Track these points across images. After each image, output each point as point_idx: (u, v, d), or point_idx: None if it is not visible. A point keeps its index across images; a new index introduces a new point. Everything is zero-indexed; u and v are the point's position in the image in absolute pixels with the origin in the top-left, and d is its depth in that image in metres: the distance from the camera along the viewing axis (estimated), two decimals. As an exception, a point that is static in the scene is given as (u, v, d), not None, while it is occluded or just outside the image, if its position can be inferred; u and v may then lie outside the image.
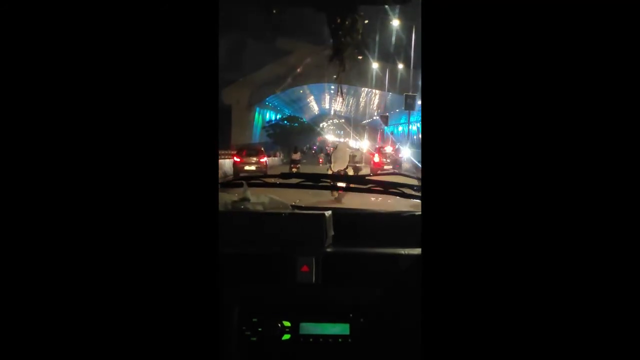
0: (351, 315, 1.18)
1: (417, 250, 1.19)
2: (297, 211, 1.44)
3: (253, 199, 1.38)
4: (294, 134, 37.34)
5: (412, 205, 1.56)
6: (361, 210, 1.59)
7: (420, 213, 1.50)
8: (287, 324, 1.18)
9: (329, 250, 1.26)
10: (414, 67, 26.04)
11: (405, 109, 25.44)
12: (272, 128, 39.33)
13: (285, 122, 41.20)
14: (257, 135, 39.12)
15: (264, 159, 19.51)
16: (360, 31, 1.31)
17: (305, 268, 1.20)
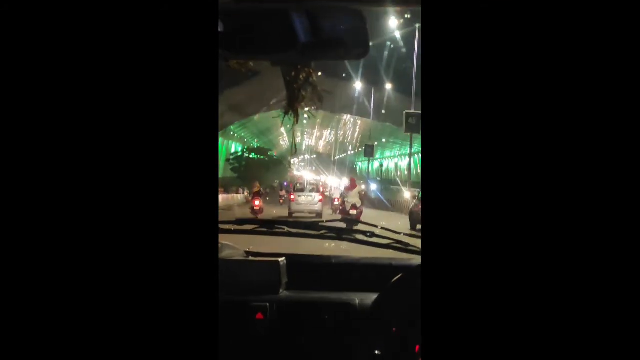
0: None
1: (372, 297, 1.41)
2: (251, 258, 1.65)
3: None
4: (262, 169, 37.21)
5: (367, 251, 1.79)
6: (314, 256, 1.80)
7: (372, 259, 1.74)
8: None
9: (283, 296, 1.47)
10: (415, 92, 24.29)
11: (406, 131, 23.29)
12: (237, 161, 39.07)
13: (252, 154, 40.94)
14: (219, 168, 38.85)
15: None
16: (315, 85, 1.53)
17: (259, 315, 1.40)
